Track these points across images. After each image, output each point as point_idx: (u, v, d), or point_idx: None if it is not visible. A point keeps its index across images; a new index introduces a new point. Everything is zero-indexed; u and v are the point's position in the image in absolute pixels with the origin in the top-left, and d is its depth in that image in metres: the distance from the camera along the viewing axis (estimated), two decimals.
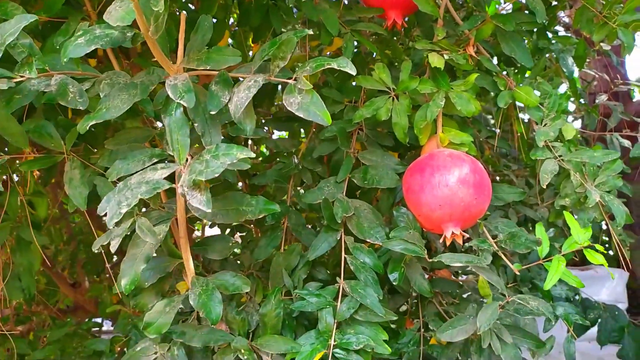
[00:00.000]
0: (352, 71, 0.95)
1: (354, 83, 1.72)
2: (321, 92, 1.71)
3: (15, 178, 1.58)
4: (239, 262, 1.73)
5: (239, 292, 1.26)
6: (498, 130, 1.99)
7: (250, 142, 2.66)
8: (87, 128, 0.96)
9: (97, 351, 2.13)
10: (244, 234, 2.32)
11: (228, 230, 2.27)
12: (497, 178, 2.58)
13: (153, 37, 0.93)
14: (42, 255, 1.71)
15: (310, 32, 1.02)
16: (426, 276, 1.91)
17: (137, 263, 1.11)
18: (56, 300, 2.96)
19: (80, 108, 0.98)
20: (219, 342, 1.35)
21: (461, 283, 1.85)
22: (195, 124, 1.02)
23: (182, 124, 0.92)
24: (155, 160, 1.02)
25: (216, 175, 0.85)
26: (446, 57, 1.50)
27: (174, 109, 0.93)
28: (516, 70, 1.56)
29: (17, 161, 1.22)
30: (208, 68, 0.98)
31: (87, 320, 2.73)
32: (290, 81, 0.96)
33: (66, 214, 2.69)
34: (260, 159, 2.28)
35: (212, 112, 0.97)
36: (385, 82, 1.49)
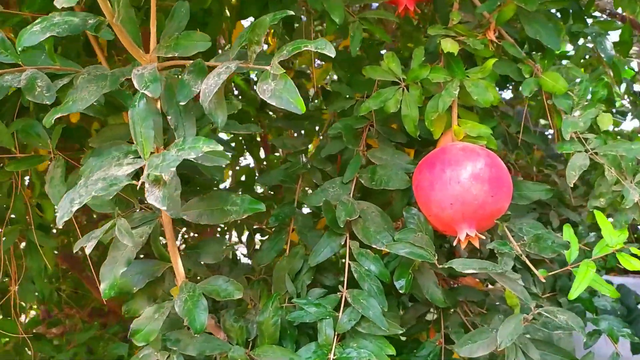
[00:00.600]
0: (331, 53, 0.85)
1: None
2: (331, 87, 1.62)
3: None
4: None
5: (232, 298, 1.18)
6: (531, 125, 1.82)
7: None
8: (52, 122, 0.90)
9: (120, 355, 2.12)
10: (265, 237, 2.26)
11: (247, 233, 2.22)
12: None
13: (117, 24, 0.86)
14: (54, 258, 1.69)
15: (291, 12, 0.93)
16: (451, 283, 1.77)
17: (117, 266, 1.05)
18: (100, 303, 2.98)
19: (47, 103, 0.93)
20: (215, 351, 1.27)
21: (488, 291, 1.69)
22: (169, 117, 0.95)
23: (145, 116, 0.85)
24: (132, 157, 0.95)
25: (172, 169, 0.77)
26: (473, 43, 1.36)
27: (137, 100, 0.86)
28: (542, 55, 1.40)
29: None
30: (177, 55, 0.90)
31: (116, 323, 2.74)
32: (267, 68, 0.88)
33: (95, 217, 2.71)
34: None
35: (182, 103, 0.89)
36: (394, 72, 1.38)
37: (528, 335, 1.30)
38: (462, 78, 1.31)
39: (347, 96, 1.58)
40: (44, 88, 0.93)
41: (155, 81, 0.86)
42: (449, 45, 1.33)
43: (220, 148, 0.81)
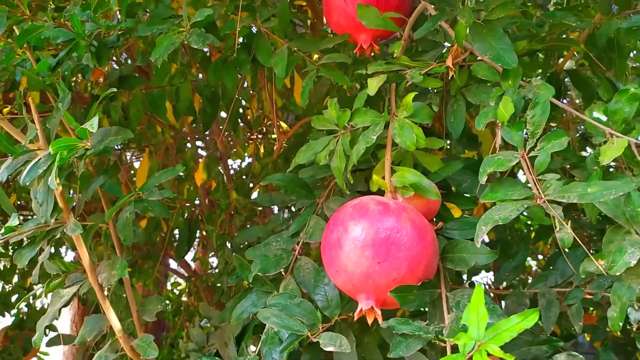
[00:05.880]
0: None
1: None
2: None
3: None
4: None
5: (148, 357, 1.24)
6: None
7: None
8: None
9: None
10: None
11: None
12: None
13: None
14: None
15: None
16: None
17: (46, 320, 1.23)
18: None
19: None
20: None
21: None
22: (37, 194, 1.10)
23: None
24: None
25: None
26: (411, 75, 1.18)
27: None
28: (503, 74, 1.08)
29: None
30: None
31: None
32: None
33: None
34: None
35: (26, 184, 1.03)
36: (332, 120, 1.26)
37: None
38: (386, 120, 1.13)
39: None
40: None
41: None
42: (374, 84, 1.16)
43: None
